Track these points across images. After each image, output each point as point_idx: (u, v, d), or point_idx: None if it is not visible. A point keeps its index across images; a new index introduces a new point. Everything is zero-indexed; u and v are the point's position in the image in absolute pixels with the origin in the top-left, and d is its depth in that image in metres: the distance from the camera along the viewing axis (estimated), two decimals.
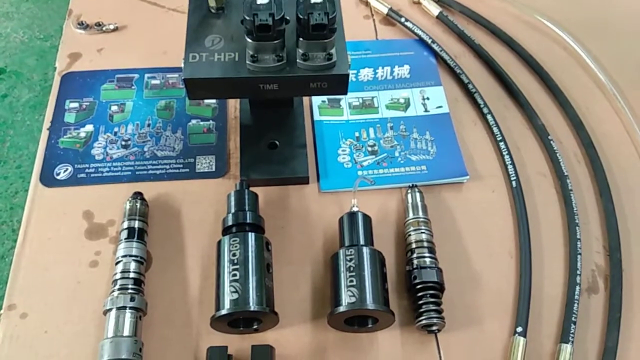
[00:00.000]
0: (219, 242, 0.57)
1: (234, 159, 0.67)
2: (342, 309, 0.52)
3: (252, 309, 0.52)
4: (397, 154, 0.68)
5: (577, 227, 0.62)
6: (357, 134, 0.69)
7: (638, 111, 0.72)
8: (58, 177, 0.65)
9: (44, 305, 0.57)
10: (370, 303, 0.52)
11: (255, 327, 0.55)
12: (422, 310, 0.55)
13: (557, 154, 0.68)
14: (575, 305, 0.57)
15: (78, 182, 0.65)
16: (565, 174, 0.66)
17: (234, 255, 0.55)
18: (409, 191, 0.63)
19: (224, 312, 0.52)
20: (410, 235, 0.60)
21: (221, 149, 0.68)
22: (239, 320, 0.54)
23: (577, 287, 0.58)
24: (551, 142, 0.69)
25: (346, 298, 0.53)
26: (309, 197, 0.65)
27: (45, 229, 0.62)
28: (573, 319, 0.56)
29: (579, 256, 0.60)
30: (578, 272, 0.59)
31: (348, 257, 0.55)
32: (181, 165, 0.67)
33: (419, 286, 0.56)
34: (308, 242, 0.62)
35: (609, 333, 0.56)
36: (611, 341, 0.55)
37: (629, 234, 0.62)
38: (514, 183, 0.65)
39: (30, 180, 0.65)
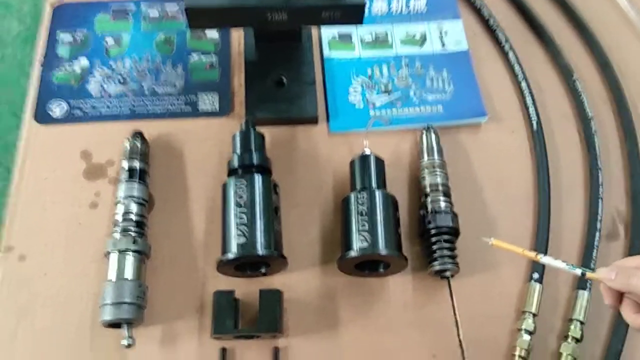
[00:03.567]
0: (225, 185, 0.54)
1: (238, 97, 0.64)
2: (353, 253, 0.50)
3: (260, 253, 0.50)
4: (411, 94, 0.64)
5: (599, 171, 0.59)
6: (369, 72, 0.65)
7: None
8: (52, 114, 0.62)
9: (43, 247, 0.55)
10: (382, 248, 0.50)
11: (262, 271, 0.53)
12: (435, 255, 0.53)
13: (581, 95, 0.64)
14: (594, 251, 0.55)
15: (74, 120, 0.61)
16: (589, 115, 0.62)
17: (240, 197, 0.52)
18: (424, 132, 0.60)
19: (231, 256, 0.50)
20: (424, 178, 0.57)
21: (225, 86, 0.64)
22: (246, 265, 0.52)
23: (597, 234, 0.56)
24: (575, 82, 0.65)
25: (357, 242, 0.50)
26: (318, 138, 0.62)
27: (42, 168, 0.59)
28: (592, 265, 0.54)
29: (599, 201, 0.57)
30: (598, 217, 0.57)
31: (360, 201, 0.52)
32: (183, 103, 0.63)
33: (433, 231, 0.54)
34: (317, 185, 0.59)
35: None
36: None
37: None
38: (534, 125, 0.62)
39: (24, 117, 0.61)
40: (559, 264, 0.44)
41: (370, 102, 0.63)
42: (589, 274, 0.42)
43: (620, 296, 0.40)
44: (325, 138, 0.62)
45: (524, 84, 0.64)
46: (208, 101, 0.64)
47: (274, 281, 0.54)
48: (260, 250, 0.50)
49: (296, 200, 0.58)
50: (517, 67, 0.65)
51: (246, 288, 0.53)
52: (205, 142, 0.61)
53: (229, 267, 0.51)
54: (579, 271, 0.43)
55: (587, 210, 0.58)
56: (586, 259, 0.55)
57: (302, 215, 0.57)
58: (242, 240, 0.50)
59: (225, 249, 0.51)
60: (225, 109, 0.63)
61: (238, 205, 0.52)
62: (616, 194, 0.59)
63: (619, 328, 0.52)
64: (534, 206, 0.58)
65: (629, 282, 0.39)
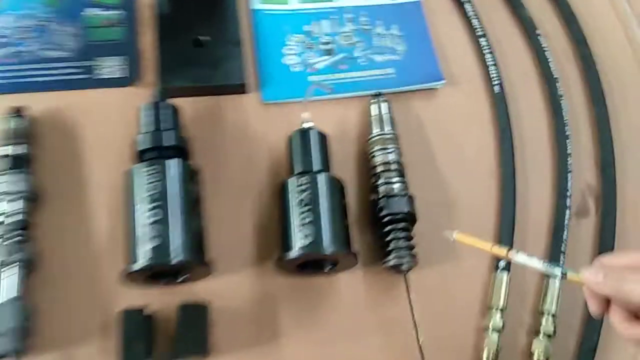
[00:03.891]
0: (129, 173, 0.43)
1: (148, 62, 0.52)
2: (294, 253, 0.41)
3: (175, 260, 0.40)
4: (357, 54, 0.54)
5: (567, 140, 0.52)
6: (307, 28, 0.55)
7: (637, 5, 0.61)
8: None
9: None
10: (328, 245, 0.41)
11: (182, 279, 0.43)
12: (390, 248, 0.45)
13: (546, 52, 0.56)
14: (565, 232, 0.49)
15: None
16: (555, 76, 0.55)
17: (149, 189, 0.41)
18: (374, 100, 0.51)
19: (138, 265, 0.40)
20: (375, 156, 0.48)
21: (131, 47, 0.52)
22: (161, 273, 0.42)
23: (567, 211, 0.50)
24: (538, 37, 0.57)
25: (299, 239, 0.42)
26: (248, 110, 0.51)
27: None
28: (562, 248, 0.48)
29: (569, 175, 0.51)
30: (568, 193, 0.50)
31: (300, 188, 0.43)
32: (77, 70, 0.51)
33: (386, 218, 0.46)
34: (248, 168, 0.49)
35: None
36: None
37: (623, 146, 0.54)
38: (496, 88, 0.54)
39: None
40: (534, 262, 0.37)
41: (309, 65, 0.53)
42: (570, 276, 0.36)
43: (608, 301, 0.34)
44: (257, 110, 0.52)
45: (483, 41, 0.56)
46: (110, 67, 0.51)
47: (198, 289, 0.45)
48: (176, 255, 0.40)
49: (223, 187, 0.48)
50: (475, 21, 0.57)
51: (163, 300, 0.44)
52: (108, 119, 0.49)
53: (138, 277, 0.41)
54: (558, 271, 0.36)
55: (555, 184, 0.52)
56: (555, 241, 0.49)
57: (231, 206, 0.48)
58: (154, 243, 0.40)
59: (132, 255, 0.41)
60: (132, 77, 0.51)
61: (147, 198, 0.41)
62: (585, 164, 0.53)
63: (593, 319, 0.46)
64: (497, 181, 0.51)
65: (621, 288, 0.32)
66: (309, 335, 0.45)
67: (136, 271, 0.40)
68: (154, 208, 0.40)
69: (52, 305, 0.43)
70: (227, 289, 0.45)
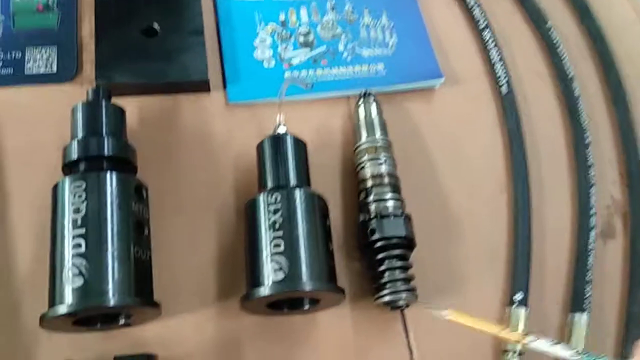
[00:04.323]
0: (55, 187, 0.34)
1: (88, 54, 0.43)
2: (263, 291, 0.33)
3: (108, 303, 0.31)
4: (341, 47, 0.46)
5: (587, 149, 0.45)
6: (282, 17, 0.47)
7: None
8: None
9: None
10: (307, 280, 0.33)
11: (122, 322, 0.34)
12: (384, 280, 0.37)
13: (558, 48, 0.49)
14: (590, 258, 0.41)
15: None
16: (570, 75, 0.48)
17: (77, 210, 0.32)
18: (361, 101, 0.42)
19: (61, 310, 0.30)
20: (364, 167, 0.40)
21: (67, 36, 0.43)
22: (93, 317, 0.33)
23: (591, 232, 0.42)
24: (549, 31, 0.50)
25: (270, 273, 0.33)
26: (211, 112, 0.43)
27: None
28: (587, 277, 0.40)
29: (592, 189, 0.43)
30: (592, 210, 0.42)
31: (272, 207, 0.35)
32: (1, 63, 0.42)
33: (379, 244, 0.37)
34: (209, 182, 0.40)
35: (633, 293, 0.41)
36: (636, 304, 0.40)
37: None
38: (503, 88, 0.46)
39: None
40: (562, 352, 0.29)
41: (284, 60, 0.45)
42: None
43: None
44: (222, 112, 0.43)
45: (487, 34, 0.48)
46: (41, 60, 0.42)
47: (146, 333, 0.36)
48: (109, 297, 0.31)
49: (178, 207, 0.39)
50: (476, 11, 0.49)
51: (101, 348, 0.35)
52: (38, 123, 0.41)
53: (64, 323, 0.32)
54: None
55: (575, 200, 0.44)
56: (579, 268, 0.41)
57: (188, 228, 0.39)
58: (79, 282, 0.31)
59: (54, 296, 0.31)
60: (68, 71, 0.42)
61: (74, 223, 0.32)
62: (609, 176, 0.45)
63: None
64: (508, 199, 0.43)
65: None
66: None
67: (57, 317, 0.31)
68: (76, 236, 0.31)
69: None
70: (183, 332, 0.36)
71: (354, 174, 0.41)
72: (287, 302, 0.35)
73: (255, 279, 0.34)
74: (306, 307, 0.36)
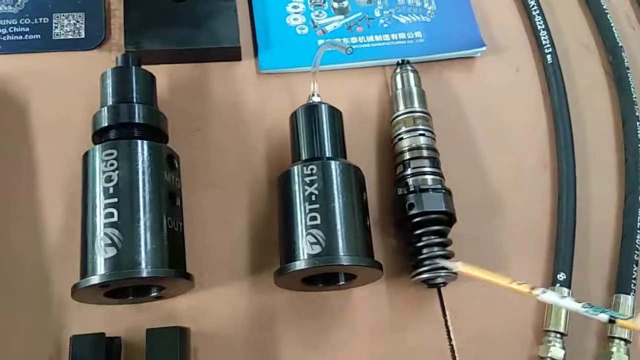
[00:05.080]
0: (86, 156, 0.33)
1: (116, 19, 0.42)
2: (298, 265, 0.31)
3: (141, 274, 0.30)
4: (378, 14, 0.44)
5: (636, 123, 0.42)
6: None
7: None
8: None
9: None
10: (345, 255, 0.32)
11: (154, 294, 0.33)
12: (422, 256, 0.35)
13: (608, 15, 0.46)
14: (637, 237, 0.39)
15: None
16: (619, 44, 0.45)
17: (109, 179, 0.31)
18: (398, 71, 0.41)
19: (93, 280, 0.30)
20: (401, 139, 0.38)
21: (95, 2, 0.42)
22: (125, 288, 0.33)
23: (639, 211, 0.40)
24: None
25: (305, 247, 0.32)
26: (242, 81, 0.41)
27: None
28: (634, 257, 0.38)
29: None
30: None
31: (308, 179, 0.33)
32: (28, 29, 0.41)
33: (417, 219, 0.36)
34: (241, 153, 0.39)
35: None
36: None
37: None
38: (548, 57, 0.44)
39: None
40: (570, 304, 0.28)
41: (318, 27, 0.43)
42: (621, 322, 0.27)
43: None
44: (254, 81, 0.42)
45: (531, 0, 0.46)
46: (68, 25, 0.41)
47: (178, 306, 0.35)
48: (142, 268, 0.30)
49: (210, 177, 0.38)
50: None
51: (133, 321, 0.34)
52: (66, 90, 0.40)
53: (95, 294, 0.31)
54: (604, 317, 0.27)
55: (622, 176, 0.41)
56: (626, 248, 0.39)
57: (220, 201, 0.38)
58: (112, 252, 0.30)
59: (86, 266, 0.31)
60: (95, 38, 0.41)
61: (106, 192, 0.31)
62: None
63: None
64: (551, 174, 0.41)
65: None
66: None
67: (89, 287, 0.30)
68: (111, 205, 0.30)
69: None
70: (215, 306, 0.35)
71: (389, 146, 0.39)
72: (322, 277, 0.34)
73: (290, 252, 0.32)
74: (342, 282, 0.35)
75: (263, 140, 0.40)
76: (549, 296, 0.29)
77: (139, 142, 0.33)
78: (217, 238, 0.37)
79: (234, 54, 0.41)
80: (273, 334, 0.35)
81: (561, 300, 0.30)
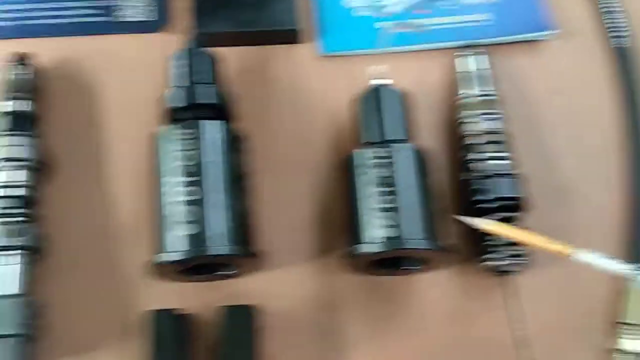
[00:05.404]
0: (155, 137, 0.34)
1: (180, 1, 0.42)
2: (369, 247, 0.31)
3: (215, 251, 0.30)
4: None
5: None
6: None
7: None
8: None
9: None
10: (418, 239, 0.31)
11: (224, 273, 0.34)
12: (490, 244, 0.35)
13: None
14: None
15: None
16: None
17: (183, 158, 0.32)
18: (465, 53, 0.40)
19: (169, 257, 0.30)
20: (467, 122, 0.37)
21: None
22: (197, 266, 0.33)
23: None
24: None
25: (376, 229, 0.31)
26: (302, 63, 0.41)
27: None
28: None
29: None
30: None
31: (377, 162, 0.33)
32: (94, 11, 0.41)
33: (484, 205, 0.35)
34: (303, 136, 0.39)
35: None
36: None
37: None
38: (620, 42, 0.42)
39: None
40: (613, 265, 0.27)
41: (379, 9, 0.42)
42: None
43: None
44: (313, 63, 0.41)
45: None
46: (134, 8, 0.42)
47: (245, 286, 0.35)
48: (218, 246, 0.30)
49: (272, 160, 0.38)
50: None
51: (200, 299, 0.34)
52: (131, 72, 0.40)
53: (169, 270, 0.32)
54: None
55: None
56: None
57: (281, 184, 0.38)
58: (190, 229, 0.30)
59: (160, 243, 0.31)
60: (160, 20, 0.41)
61: (179, 171, 0.32)
62: None
63: None
64: (622, 161, 0.40)
65: None
66: (382, 350, 0.35)
67: (165, 264, 0.30)
68: (188, 184, 0.31)
69: (61, 302, 0.34)
70: (281, 287, 0.35)
71: (455, 129, 0.38)
72: (391, 261, 0.34)
73: (359, 235, 0.32)
74: (412, 267, 0.34)
75: (324, 123, 0.40)
76: (590, 257, 0.28)
77: (214, 122, 0.33)
78: (280, 220, 0.37)
79: (292, 37, 0.41)
80: (339, 317, 0.35)
81: (604, 261, 0.28)
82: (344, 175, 0.35)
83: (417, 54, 0.41)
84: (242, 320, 0.31)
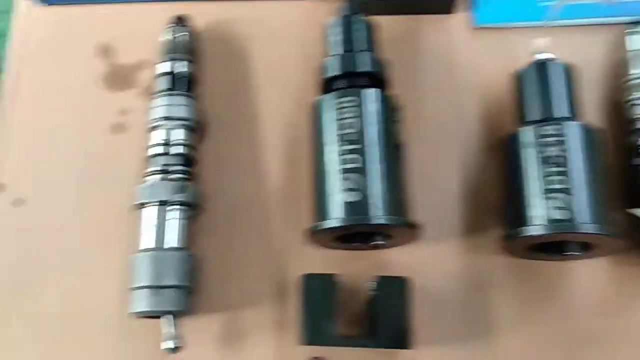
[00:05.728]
0: (317, 105, 0.34)
1: None
2: (537, 230, 0.30)
3: (379, 220, 0.30)
4: None
5: None
6: None
7: None
8: None
9: (47, 187, 0.37)
10: (591, 223, 0.30)
11: (377, 243, 0.34)
12: None
13: None
14: None
15: None
16: None
17: (349, 125, 0.32)
18: (635, 29, 0.37)
19: (332, 223, 0.30)
20: (637, 104, 0.35)
21: None
22: (352, 235, 0.33)
23: None
24: None
25: (546, 211, 0.30)
26: (455, 35, 0.40)
27: (43, 71, 0.40)
28: None
29: None
30: None
31: (545, 140, 0.31)
32: None
33: None
34: (454, 110, 0.38)
35: None
36: None
37: None
38: None
39: None
40: None
41: None
42: None
43: None
44: (467, 35, 0.40)
45: None
46: None
47: (390, 257, 0.35)
48: (380, 215, 0.30)
49: (422, 133, 0.37)
50: None
51: (349, 267, 0.35)
52: (283, 37, 0.40)
53: (325, 237, 0.32)
54: None
55: None
56: None
57: (432, 157, 0.37)
58: (352, 197, 0.30)
59: (321, 210, 0.31)
60: None
61: (340, 139, 0.31)
62: None
63: None
64: None
65: None
66: (531, 335, 0.34)
67: (327, 230, 0.31)
68: (349, 152, 0.31)
69: (215, 259, 0.35)
70: (428, 261, 0.35)
71: (622, 111, 0.36)
72: (554, 245, 0.32)
73: (523, 216, 0.31)
74: (576, 253, 0.33)
75: (476, 98, 0.38)
76: None
77: (374, 90, 0.33)
78: (429, 194, 0.36)
79: (447, 6, 0.40)
80: (487, 297, 0.34)
81: None
82: (503, 153, 0.34)
83: (582, 29, 0.39)
84: (396, 291, 0.31)
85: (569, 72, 0.34)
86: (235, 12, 0.41)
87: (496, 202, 0.35)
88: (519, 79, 0.35)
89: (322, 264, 0.35)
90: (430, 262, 0.35)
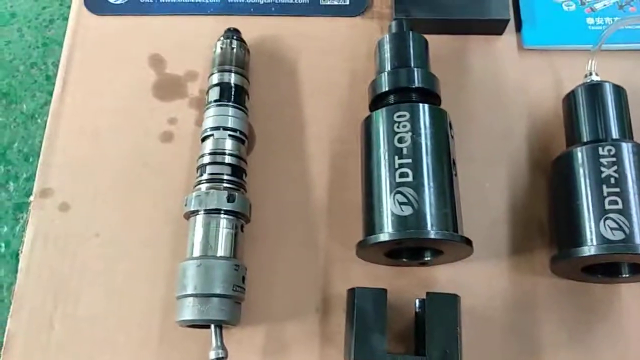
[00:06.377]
0: (369, 120, 0.34)
1: None
2: (593, 251, 0.30)
3: (433, 235, 0.30)
4: None
5: None
6: None
7: None
8: (112, 0, 0.42)
9: (93, 193, 0.37)
10: None
11: (425, 260, 0.33)
12: None
13: None
14: None
15: (142, 10, 0.42)
16: None
17: (402, 140, 0.32)
18: None
19: (383, 237, 0.30)
20: None
21: None
22: (401, 250, 0.33)
23: None
24: None
25: (602, 232, 0.30)
26: (503, 56, 0.40)
27: (94, 78, 0.40)
28: None
29: None
30: None
31: (603, 161, 0.31)
32: None
33: None
34: (501, 130, 0.38)
35: None
36: None
37: None
38: None
39: (71, 3, 0.43)
40: None
41: (586, 4, 0.40)
42: None
43: None
44: (515, 56, 0.40)
45: None
46: None
47: (435, 274, 0.35)
48: (434, 230, 0.30)
49: (471, 152, 0.37)
50: None
51: (392, 282, 0.34)
52: (330, 53, 0.41)
53: (375, 251, 0.32)
54: None
55: None
56: None
57: (478, 176, 0.37)
58: (408, 211, 0.30)
59: (374, 223, 0.31)
60: (359, 5, 0.42)
61: (399, 152, 0.32)
62: None
63: None
64: None
65: None
66: (579, 358, 0.33)
67: (378, 243, 0.30)
68: (406, 165, 0.31)
69: (260, 270, 0.35)
70: (473, 281, 0.34)
71: None
72: (608, 267, 0.32)
73: (578, 237, 0.31)
74: (623, 275, 0.32)
75: (523, 118, 0.38)
76: None
77: (428, 105, 0.33)
78: (477, 212, 0.36)
79: (500, 27, 0.40)
80: (534, 318, 0.34)
81: None
82: (556, 172, 0.34)
83: (623, 53, 0.39)
84: (446, 308, 0.31)
85: (621, 95, 0.34)
86: (285, 26, 0.42)
87: (543, 222, 0.35)
88: (574, 99, 0.35)
89: (366, 279, 0.34)
90: (476, 281, 0.34)
